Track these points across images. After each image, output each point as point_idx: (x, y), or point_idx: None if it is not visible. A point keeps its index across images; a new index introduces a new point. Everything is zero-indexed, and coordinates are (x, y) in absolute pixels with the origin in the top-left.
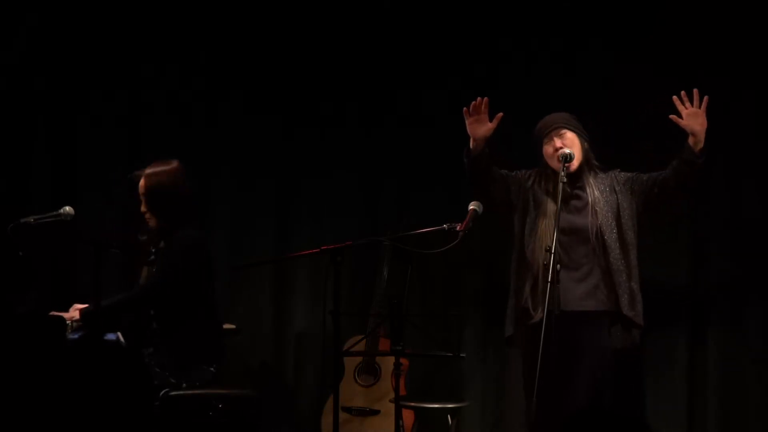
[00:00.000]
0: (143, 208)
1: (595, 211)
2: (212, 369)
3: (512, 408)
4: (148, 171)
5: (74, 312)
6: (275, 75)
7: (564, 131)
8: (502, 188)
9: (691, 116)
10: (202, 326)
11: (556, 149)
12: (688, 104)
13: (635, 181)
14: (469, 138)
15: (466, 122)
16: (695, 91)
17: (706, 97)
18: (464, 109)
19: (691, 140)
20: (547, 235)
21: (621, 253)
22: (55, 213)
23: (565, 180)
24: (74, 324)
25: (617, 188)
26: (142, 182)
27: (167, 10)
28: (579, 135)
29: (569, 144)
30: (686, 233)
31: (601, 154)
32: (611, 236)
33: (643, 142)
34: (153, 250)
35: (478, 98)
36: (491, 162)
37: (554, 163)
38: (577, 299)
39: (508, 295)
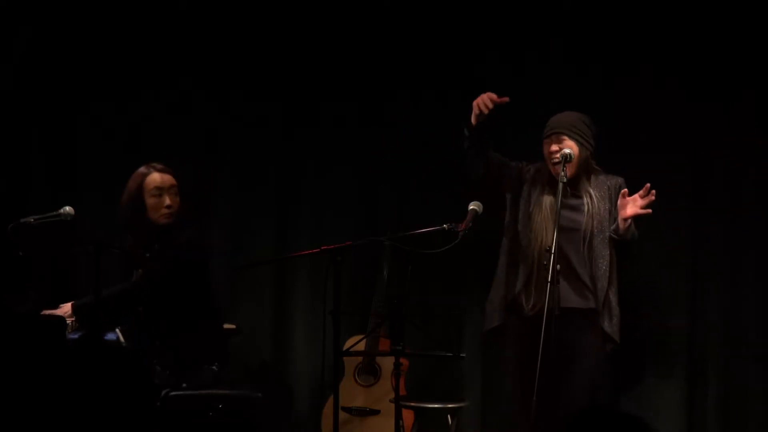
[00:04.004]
0: (169, 201)
1: (589, 214)
2: (214, 368)
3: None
4: (174, 168)
5: (61, 311)
6: (275, 75)
7: (564, 138)
8: (496, 174)
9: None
10: (203, 326)
11: (551, 153)
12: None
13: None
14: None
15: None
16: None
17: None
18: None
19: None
20: (542, 230)
21: (608, 260)
22: (55, 213)
23: (565, 180)
24: (74, 324)
25: (614, 198)
26: (170, 176)
27: (167, 9)
28: (579, 143)
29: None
30: (686, 227)
31: (603, 157)
32: (602, 242)
33: (642, 143)
34: (147, 255)
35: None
36: (491, 142)
37: (550, 165)
38: (565, 296)
39: (491, 286)
